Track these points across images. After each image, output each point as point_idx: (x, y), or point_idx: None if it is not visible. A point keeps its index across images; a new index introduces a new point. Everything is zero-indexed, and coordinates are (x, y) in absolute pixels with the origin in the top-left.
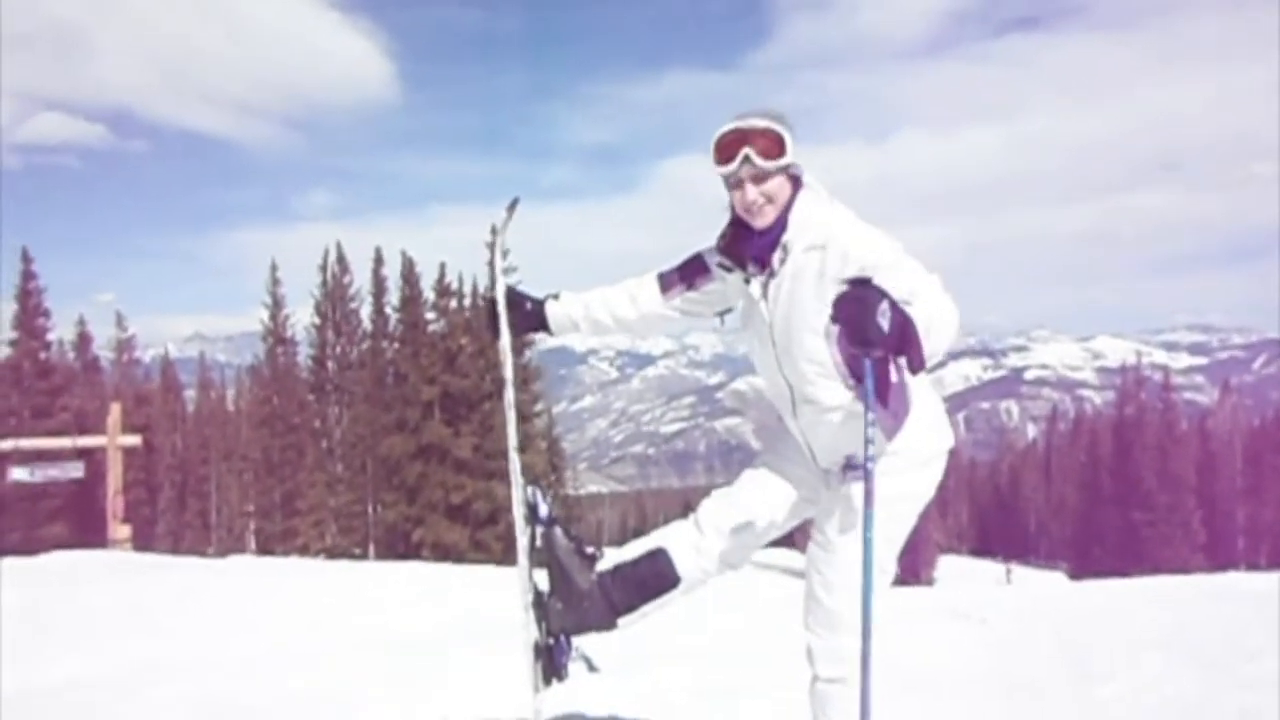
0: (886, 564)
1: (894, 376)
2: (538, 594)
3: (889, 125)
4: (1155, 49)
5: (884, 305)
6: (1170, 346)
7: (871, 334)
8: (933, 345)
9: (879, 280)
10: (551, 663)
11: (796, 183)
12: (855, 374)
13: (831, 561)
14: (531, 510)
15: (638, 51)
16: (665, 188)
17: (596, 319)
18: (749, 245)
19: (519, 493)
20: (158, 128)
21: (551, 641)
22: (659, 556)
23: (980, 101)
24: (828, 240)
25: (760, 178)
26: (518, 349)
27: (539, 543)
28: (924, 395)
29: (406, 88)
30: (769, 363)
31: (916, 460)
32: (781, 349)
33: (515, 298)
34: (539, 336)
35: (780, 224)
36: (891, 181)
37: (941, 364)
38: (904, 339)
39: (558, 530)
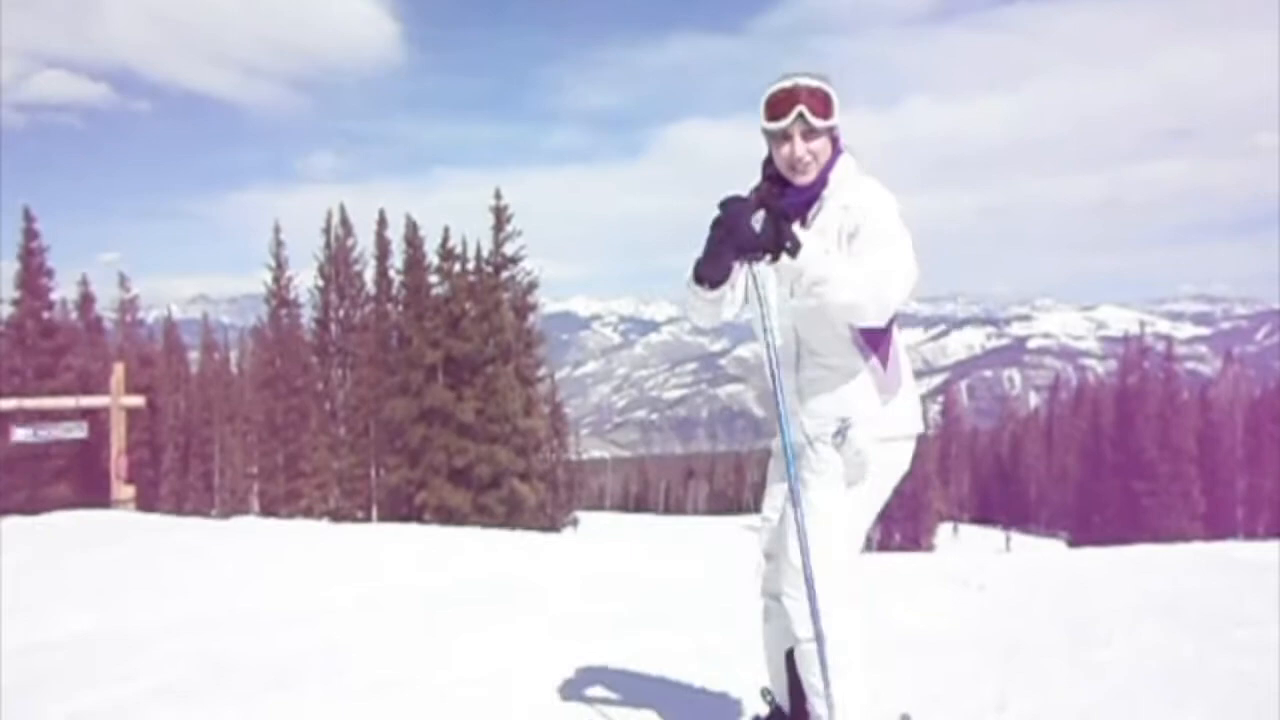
0: (863, 529)
1: (891, 342)
2: None
3: (896, 92)
4: (1166, 16)
5: (758, 213)
6: (1174, 316)
7: (745, 236)
8: (834, 292)
9: (861, 243)
10: None
11: (837, 145)
12: (862, 331)
13: (812, 527)
14: None
15: (643, 15)
16: (672, 153)
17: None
18: (784, 201)
19: None
20: (161, 87)
21: None
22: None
23: (988, 69)
24: (852, 201)
25: (809, 135)
26: (522, 313)
27: None
28: (909, 374)
29: (412, 49)
30: (782, 320)
31: (901, 433)
32: (800, 301)
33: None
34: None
35: (821, 181)
36: (898, 148)
37: (945, 331)
38: (779, 240)
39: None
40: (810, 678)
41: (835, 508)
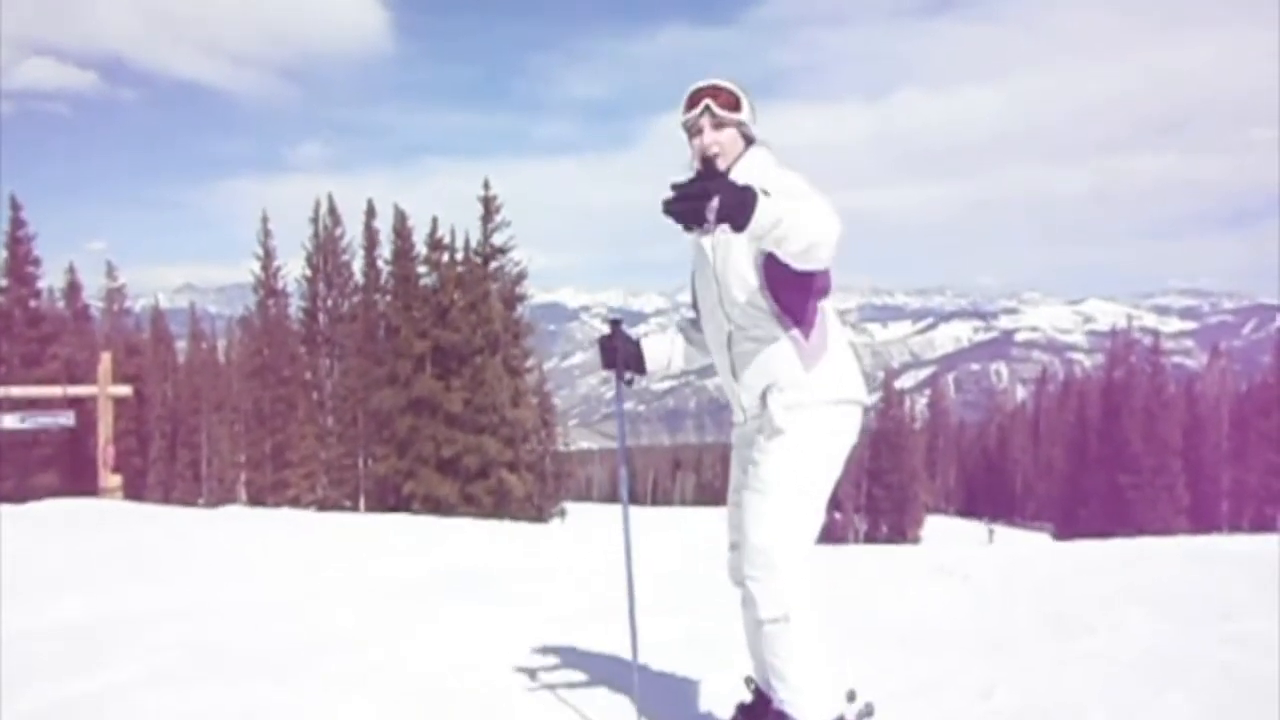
0: (817, 501)
1: (814, 312)
2: None
3: (887, 83)
4: (1159, 9)
5: (713, 203)
6: (1161, 310)
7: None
8: (790, 231)
9: (781, 198)
10: None
11: (749, 144)
12: (779, 302)
13: (764, 503)
14: None
15: (634, 6)
16: (662, 143)
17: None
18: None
19: None
20: (150, 76)
21: None
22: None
23: (980, 60)
24: (762, 185)
25: (717, 126)
26: (510, 303)
27: None
28: (839, 344)
29: (401, 38)
30: (713, 302)
31: (830, 397)
32: (723, 286)
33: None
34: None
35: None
36: (888, 140)
37: (932, 324)
38: (741, 204)
39: None
40: (773, 659)
41: (787, 487)
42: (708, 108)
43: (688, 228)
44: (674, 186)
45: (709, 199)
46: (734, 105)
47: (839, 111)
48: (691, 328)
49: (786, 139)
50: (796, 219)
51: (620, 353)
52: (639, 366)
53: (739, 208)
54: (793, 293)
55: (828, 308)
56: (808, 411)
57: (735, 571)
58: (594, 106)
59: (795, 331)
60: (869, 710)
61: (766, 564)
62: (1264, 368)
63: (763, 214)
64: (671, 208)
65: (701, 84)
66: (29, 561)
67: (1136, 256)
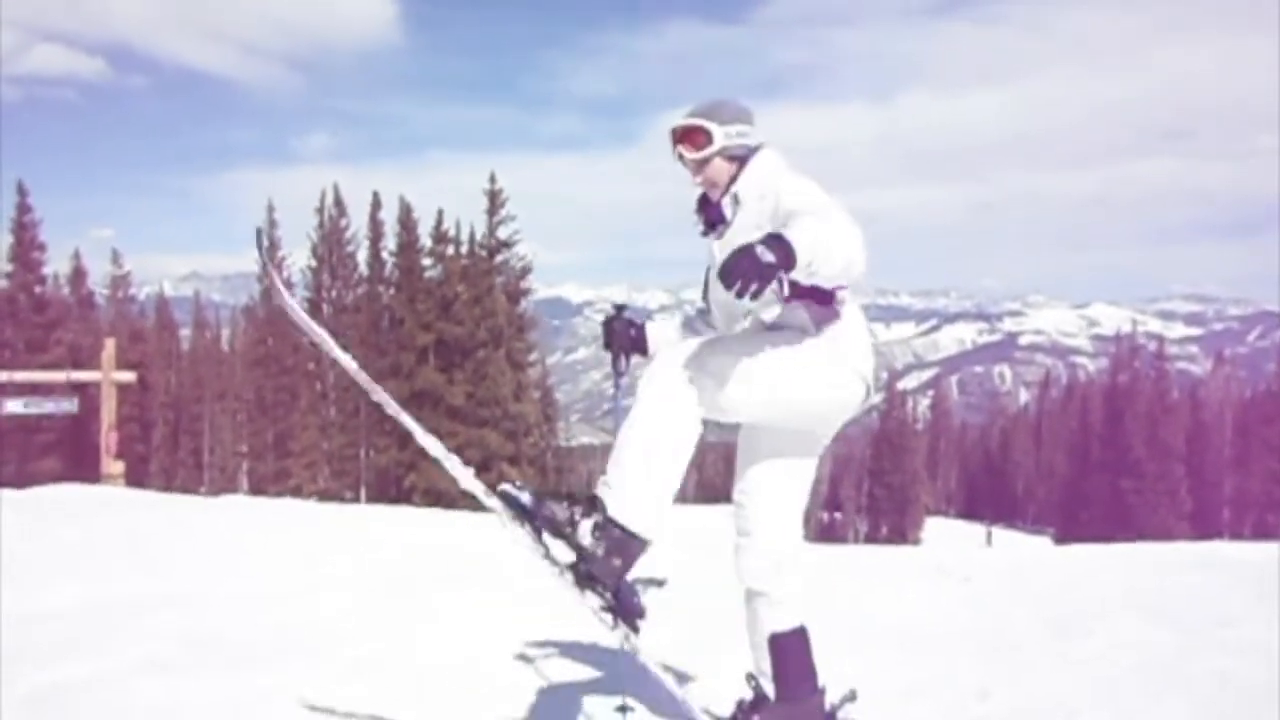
0: (761, 381)
1: (831, 308)
2: (575, 570)
3: (894, 84)
4: (1167, 14)
5: (759, 248)
6: (1166, 316)
7: (759, 270)
8: (814, 253)
9: (794, 220)
10: (625, 609)
11: (741, 161)
12: (788, 295)
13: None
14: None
15: (643, 1)
16: (666, 141)
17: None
18: (713, 207)
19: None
20: (158, 63)
21: (613, 597)
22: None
23: (987, 63)
24: (765, 191)
25: (698, 166)
26: (514, 297)
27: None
28: (854, 318)
29: (409, 30)
30: (726, 300)
31: (833, 354)
32: (757, 304)
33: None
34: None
35: (731, 185)
36: (894, 141)
37: (936, 326)
38: (786, 256)
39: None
40: (620, 447)
41: (755, 353)
42: (681, 156)
43: (759, 290)
44: (721, 274)
45: (752, 250)
46: (704, 141)
47: (845, 112)
48: (699, 318)
49: (792, 139)
50: (828, 244)
51: (620, 335)
52: (641, 349)
53: (778, 244)
54: (800, 286)
55: (847, 297)
56: (811, 349)
57: (744, 571)
58: (600, 103)
59: (810, 305)
60: (852, 695)
61: (684, 362)
62: (1268, 375)
63: (798, 241)
64: (732, 279)
65: (671, 127)
66: (29, 547)
67: (1142, 261)
